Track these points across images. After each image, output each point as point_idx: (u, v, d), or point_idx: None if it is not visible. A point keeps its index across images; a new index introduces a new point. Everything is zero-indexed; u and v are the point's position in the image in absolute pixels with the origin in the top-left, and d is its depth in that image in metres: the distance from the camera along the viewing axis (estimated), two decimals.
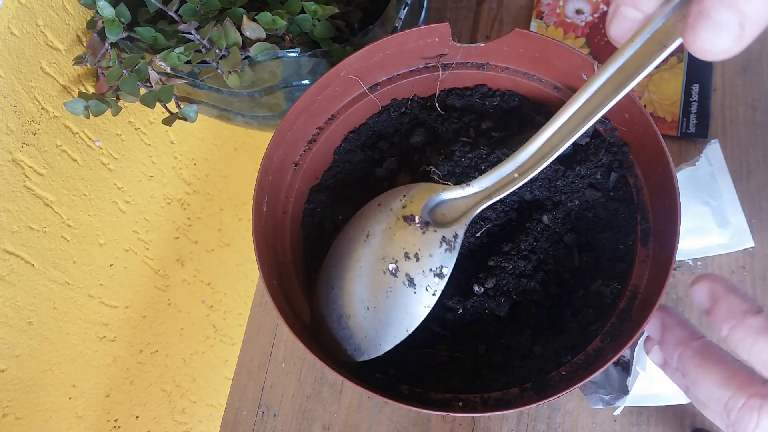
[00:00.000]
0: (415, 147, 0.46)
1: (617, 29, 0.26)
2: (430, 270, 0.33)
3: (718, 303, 0.28)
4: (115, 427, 0.59)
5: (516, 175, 0.33)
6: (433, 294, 0.32)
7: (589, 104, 0.30)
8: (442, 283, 0.32)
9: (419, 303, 0.33)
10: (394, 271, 0.33)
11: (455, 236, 0.33)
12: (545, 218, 0.40)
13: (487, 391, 0.35)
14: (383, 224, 0.34)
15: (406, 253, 0.33)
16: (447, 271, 0.33)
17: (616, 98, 0.28)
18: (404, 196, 0.35)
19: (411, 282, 0.33)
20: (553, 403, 0.49)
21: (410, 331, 0.33)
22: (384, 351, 0.33)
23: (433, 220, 0.34)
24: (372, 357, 0.34)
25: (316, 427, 0.52)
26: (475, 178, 0.35)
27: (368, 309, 0.33)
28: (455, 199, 0.35)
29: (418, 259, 0.33)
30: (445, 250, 0.33)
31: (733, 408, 0.27)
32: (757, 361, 0.27)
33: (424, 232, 0.33)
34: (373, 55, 0.42)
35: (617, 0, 0.25)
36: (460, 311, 0.39)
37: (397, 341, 0.33)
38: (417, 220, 0.33)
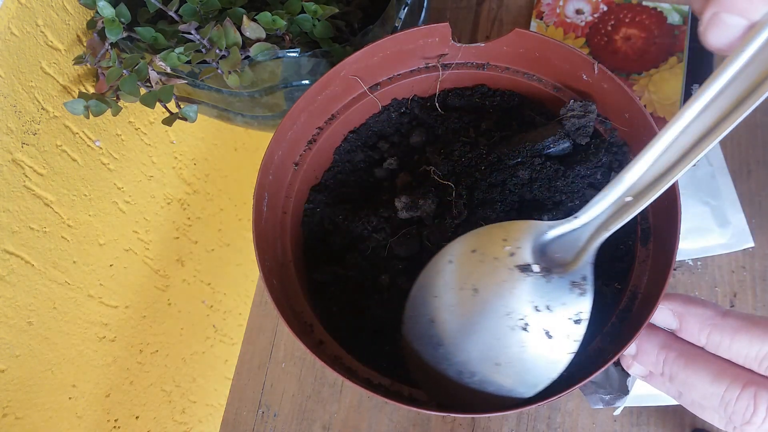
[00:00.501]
0: (415, 147, 0.46)
1: (718, 38, 0.25)
2: (568, 318, 0.31)
3: (685, 319, 0.29)
4: (115, 427, 0.59)
5: (628, 199, 0.31)
6: (575, 341, 0.31)
7: (706, 116, 0.27)
8: (582, 329, 0.31)
9: (561, 351, 0.31)
10: (525, 327, 0.31)
11: (584, 278, 0.31)
12: (545, 218, 0.40)
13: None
14: (495, 277, 0.32)
15: (535, 306, 0.31)
16: (585, 317, 0.31)
17: (746, 110, 0.25)
18: (505, 240, 0.32)
19: (548, 334, 0.31)
20: (553, 404, 0.49)
21: (553, 379, 0.31)
22: (529, 396, 0.31)
23: (549, 261, 0.32)
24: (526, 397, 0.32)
25: (316, 427, 0.52)
26: (580, 209, 0.32)
27: (499, 365, 0.31)
28: (565, 234, 0.33)
29: (551, 311, 0.31)
30: (578, 295, 0.31)
31: (731, 400, 0.27)
32: (738, 357, 0.27)
33: (548, 281, 0.31)
34: (373, 55, 0.42)
35: (715, 6, 0.24)
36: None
37: (539, 389, 0.31)
38: (536, 269, 0.31)
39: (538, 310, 0.31)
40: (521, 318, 0.31)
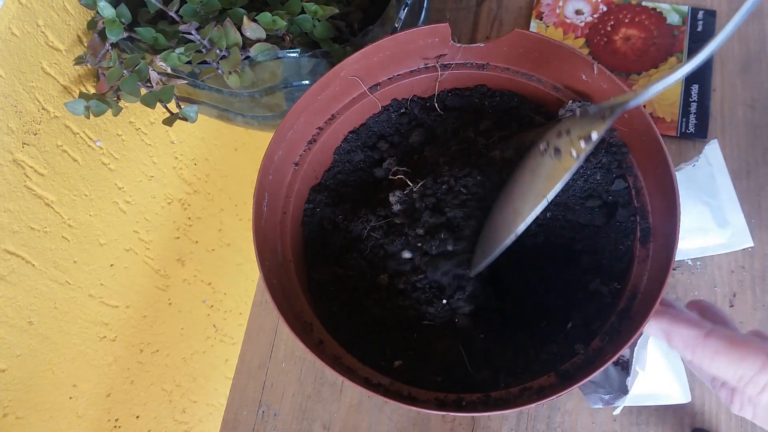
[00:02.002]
0: (414, 147, 0.46)
1: None
2: (578, 137, 0.32)
3: (671, 337, 0.32)
4: (115, 426, 0.59)
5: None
6: (576, 157, 0.32)
7: None
8: (588, 147, 0.32)
9: (560, 168, 0.33)
10: (544, 150, 0.34)
11: (612, 110, 0.32)
12: (547, 215, 0.40)
13: (487, 390, 0.35)
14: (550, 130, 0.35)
15: (559, 132, 0.34)
16: (596, 136, 0.32)
17: None
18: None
19: (557, 152, 0.33)
20: (553, 403, 0.49)
21: (548, 198, 0.33)
22: (522, 227, 0.33)
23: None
24: (514, 234, 0.34)
25: (316, 427, 0.52)
26: None
27: (513, 189, 0.35)
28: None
29: (569, 133, 0.33)
30: (599, 119, 0.32)
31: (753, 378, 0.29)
32: (726, 376, 0.30)
33: (582, 115, 0.34)
34: (373, 55, 0.42)
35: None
36: (468, 309, 0.39)
37: (538, 212, 0.33)
38: (577, 111, 0.34)
39: (560, 135, 0.33)
40: (544, 143, 0.34)
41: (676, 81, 0.31)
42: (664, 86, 0.31)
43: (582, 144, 0.32)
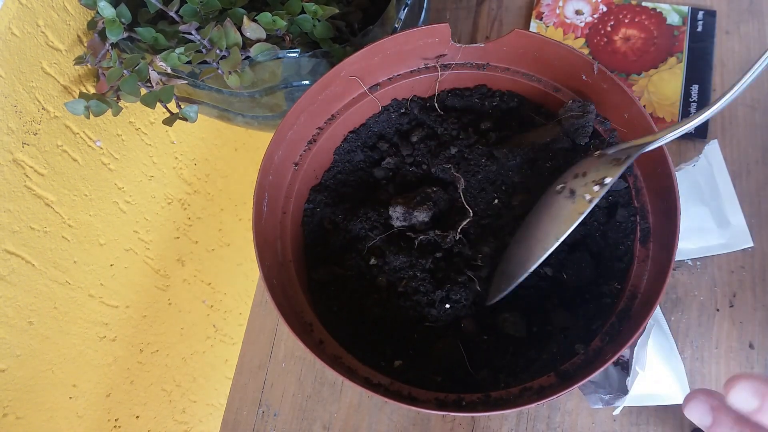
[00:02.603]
0: (414, 147, 0.46)
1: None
2: (593, 181, 0.33)
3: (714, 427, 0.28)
4: (115, 426, 0.59)
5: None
6: (589, 201, 0.33)
7: None
8: (601, 191, 0.33)
9: (574, 210, 0.33)
10: (560, 190, 0.35)
11: (628, 157, 0.34)
12: None
13: (487, 390, 0.35)
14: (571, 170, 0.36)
15: (575, 174, 0.35)
16: (609, 181, 0.33)
17: None
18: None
19: (572, 194, 0.34)
20: (553, 403, 0.49)
21: (560, 240, 0.33)
22: (535, 266, 0.34)
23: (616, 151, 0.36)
24: (525, 274, 0.35)
25: (316, 427, 0.52)
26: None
27: (529, 227, 0.36)
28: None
29: (584, 175, 0.34)
30: (613, 165, 0.33)
31: None
32: None
33: (599, 157, 0.35)
34: (373, 55, 0.42)
35: None
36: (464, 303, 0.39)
37: (548, 252, 0.34)
38: (597, 153, 0.35)
39: (576, 177, 0.34)
40: (562, 184, 0.35)
41: (695, 125, 0.32)
42: (683, 130, 0.32)
43: (596, 188, 0.33)
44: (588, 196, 0.33)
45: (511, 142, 0.43)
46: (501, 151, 0.42)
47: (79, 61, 0.45)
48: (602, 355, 0.35)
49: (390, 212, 0.41)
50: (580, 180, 0.35)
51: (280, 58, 0.44)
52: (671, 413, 0.47)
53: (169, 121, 0.47)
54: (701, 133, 0.54)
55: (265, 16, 0.43)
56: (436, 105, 0.46)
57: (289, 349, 0.55)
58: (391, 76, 0.45)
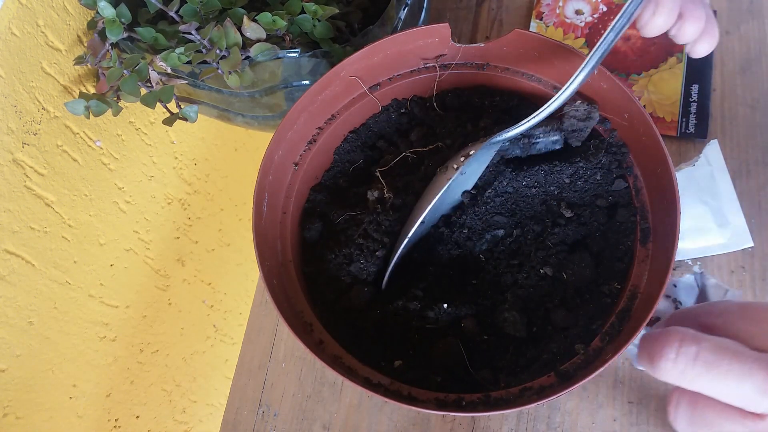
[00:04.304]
0: (413, 145, 0.46)
1: None
2: (462, 155, 0.40)
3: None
4: (115, 426, 0.59)
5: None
6: (455, 169, 0.39)
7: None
8: (466, 161, 0.39)
9: (444, 179, 0.40)
10: (442, 169, 0.41)
11: (495, 141, 0.40)
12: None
13: (487, 390, 0.35)
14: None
15: (461, 157, 0.41)
16: (473, 153, 0.40)
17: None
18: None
19: (446, 168, 0.40)
20: (553, 403, 0.49)
21: (431, 204, 0.39)
22: (410, 232, 0.40)
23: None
24: (404, 241, 0.40)
25: (316, 427, 0.52)
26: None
27: (419, 204, 0.42)
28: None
29: (458, 153, 0.41)
30: (481, 142, 0.40)
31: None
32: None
33: (481, 141, 0.41)
34: (373, 55, 0.42)
35: None
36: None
37: (422, 216, 0.39)
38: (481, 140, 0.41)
39: (453, 158, 0.41)
40: (446, 165, 0.41)
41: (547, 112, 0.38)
42: (536, 117, 0.39)
43: (461, 159, 0.40)
44: (455, 166, 0.39)
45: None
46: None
47: (79, 61, 0.45)
48: (602, 355, 0.35)
49: (368, 195, 0.43)
50: (455, 157, 0.41)
51: (280, 58, 0.44)
52: None
53: (169, 121, 0.47)
54: (701, 133, 0.54)
55: (265, 16, 0.43)
56: (435, 105, 0.46)
57: (289, 349, 0.55)
58: (391, 76, 0.45)
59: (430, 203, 0.39)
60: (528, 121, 0.39)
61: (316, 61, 0.45)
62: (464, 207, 0.42)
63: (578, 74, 0.36)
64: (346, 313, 0.40)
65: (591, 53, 0.35)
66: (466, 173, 0.41)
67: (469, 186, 0.42)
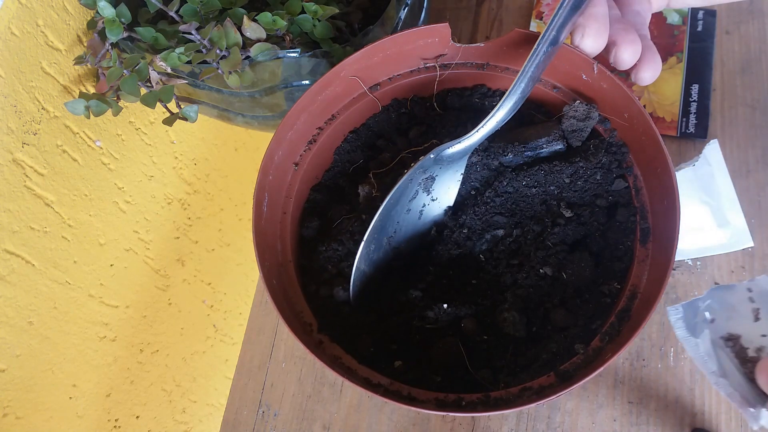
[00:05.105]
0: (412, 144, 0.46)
1: None
2: (425, 177, 0.41)
3: None
4: (115, 426, 0.59)
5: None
6: (418, 184, 0.41)
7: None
8: (422, 158, 0.40)
9: (409, 193, 0.41)
10: (415, 195, 0.42)
11: (439, 156, 0.40)
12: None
13: (487, 390, 0.35)
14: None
15: (426, 177, 0.42)
16: (435, 175, 0.41)
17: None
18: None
19: (411, 183, 0.41)
20: (553, 403, 0.49)
21: (386, 199, 0.39)
22: (369, 229, 0.40)
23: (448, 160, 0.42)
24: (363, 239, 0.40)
25: (316, 427, 0.52)
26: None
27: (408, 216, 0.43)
28: (459, 150, 0.41)
29: (434, 179, 0.42)
30: (440, 168, 0.41)
31: None
32: None
33: (441, 167, 0.42)
34: (373, 55, 0.42)
35: None
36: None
37: (379, 211, 0.40)
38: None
39: (425, 180, 0.42)
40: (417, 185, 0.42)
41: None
42: (480, 130, 0.39)
43: (421, 158, 0.40)
44: (413, 164, 0.40)
45: (506, 138, 0.43)
46: (496, 145, 0.42)
47: (79, 60, 0.45)
48: (602, 355, 0.35)
49: (359, 190, 0.43)
50: (430, 180, 0.42)
51: (280, 58, 0.44)
52: (671, 413, 0.47)
53: (169, 121, 0.47)
54: (701, 133, 0.54)
55: (265, 16, 0.43)
56: (435, 104, 0.46)
57: (289, 349, 0.55)
58: (391, 76, 0.45)
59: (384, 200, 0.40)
60: (470, 136, 0.39)
61: (316, 61, 0.45)
62: (448, 223, 0.42)
63: (505, 98, 0.37)
64: (346, 313, 0.40)
65: (518, 76, 0.37)
66: (438, 198, 0.42)
67: (450, 203, 0.43)
